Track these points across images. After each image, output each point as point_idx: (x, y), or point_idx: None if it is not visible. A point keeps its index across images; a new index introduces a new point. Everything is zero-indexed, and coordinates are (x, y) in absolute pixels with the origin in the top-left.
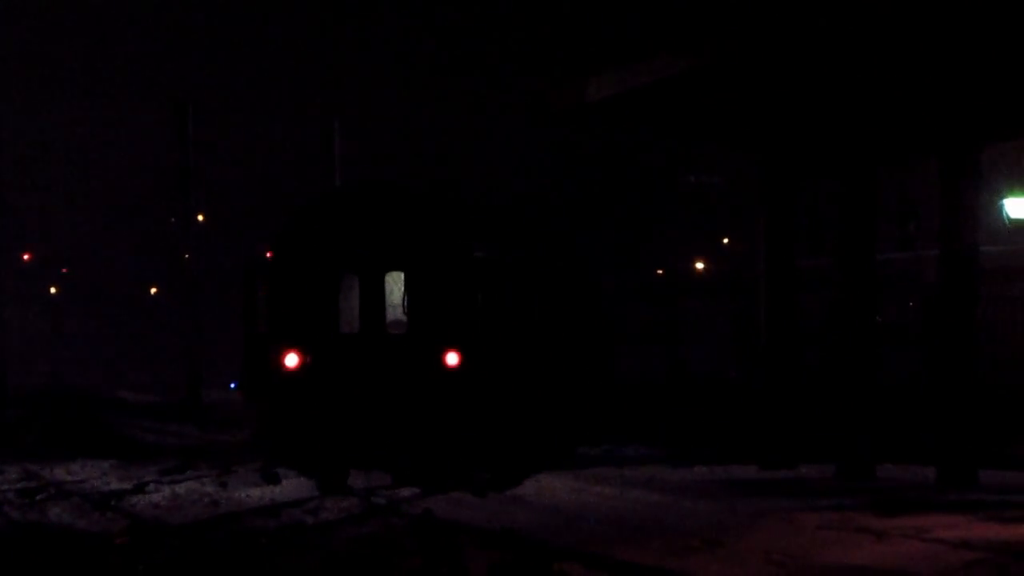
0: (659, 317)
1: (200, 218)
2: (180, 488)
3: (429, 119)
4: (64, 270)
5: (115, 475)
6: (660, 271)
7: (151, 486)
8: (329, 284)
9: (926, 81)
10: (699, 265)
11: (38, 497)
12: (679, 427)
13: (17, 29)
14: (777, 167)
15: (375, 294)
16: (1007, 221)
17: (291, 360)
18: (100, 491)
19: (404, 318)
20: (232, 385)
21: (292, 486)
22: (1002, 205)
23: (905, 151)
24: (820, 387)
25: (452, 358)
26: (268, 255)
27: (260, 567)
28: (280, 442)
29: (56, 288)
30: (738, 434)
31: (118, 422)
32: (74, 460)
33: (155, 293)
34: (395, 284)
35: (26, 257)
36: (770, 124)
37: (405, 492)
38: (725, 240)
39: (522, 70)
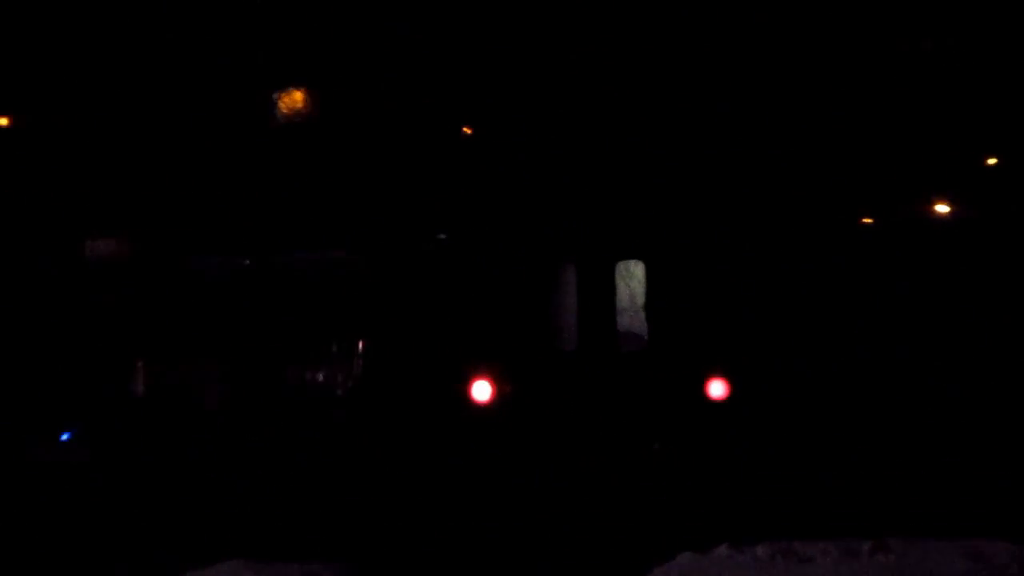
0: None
1: None
2: None
3: None
4: None
5: None
6: (867, 220)
7: None
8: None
9: None
10: (940, 208)
11: None
12: None
13: None
14: None
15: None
16: None
17: (482, 392)
18: None
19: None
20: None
21: None
22: None
23: None
24: None
25: (718, 388)
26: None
27: None
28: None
29: None
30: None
31: None
32: None
33: None
34: (624, 280)
35: None
36: None
37: None
38: (991, 160)
39: None
